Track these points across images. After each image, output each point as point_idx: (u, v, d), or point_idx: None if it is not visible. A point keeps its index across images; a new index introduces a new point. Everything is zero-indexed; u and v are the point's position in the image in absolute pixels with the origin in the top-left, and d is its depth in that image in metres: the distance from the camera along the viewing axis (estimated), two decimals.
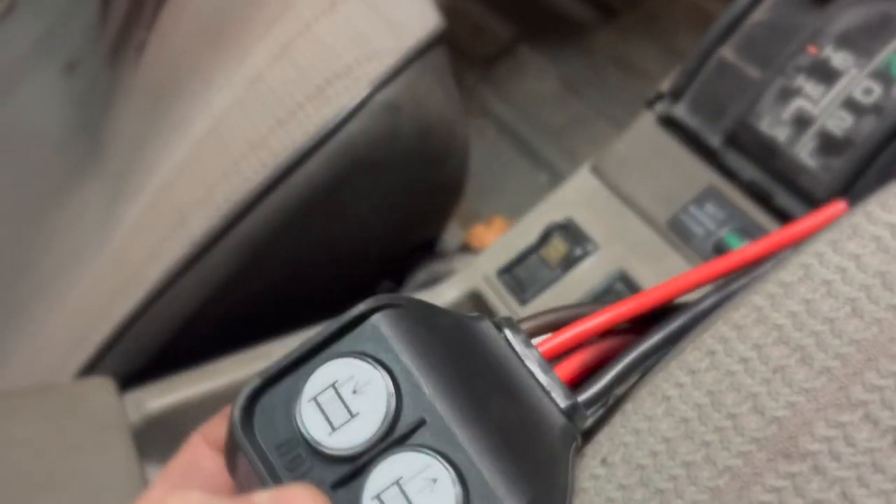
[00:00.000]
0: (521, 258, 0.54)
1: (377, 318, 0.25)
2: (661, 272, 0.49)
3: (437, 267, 0.61)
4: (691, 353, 0.30)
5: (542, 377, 0.28)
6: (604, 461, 0.30)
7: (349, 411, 0.24)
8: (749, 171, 0.48)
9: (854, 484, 0.26)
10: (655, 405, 0.30)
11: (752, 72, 0.50)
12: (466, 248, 0.68)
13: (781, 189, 0.47)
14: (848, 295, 0.28)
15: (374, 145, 0.49)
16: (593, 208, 0.53)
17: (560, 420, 0.27)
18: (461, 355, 0.27)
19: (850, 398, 0.27)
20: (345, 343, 0.25)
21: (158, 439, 0.46)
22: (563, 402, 0.28)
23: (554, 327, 0.31)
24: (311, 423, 0.24)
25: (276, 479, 0.24)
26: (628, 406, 0.31)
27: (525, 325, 0.30)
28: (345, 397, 0.24)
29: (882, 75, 0.45)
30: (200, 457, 0.28)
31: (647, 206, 0.52)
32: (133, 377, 0.50)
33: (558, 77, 1.04)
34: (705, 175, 0.51)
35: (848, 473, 0.26)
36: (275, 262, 0.52)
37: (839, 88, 0.46)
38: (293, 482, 0.24)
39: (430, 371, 0.25)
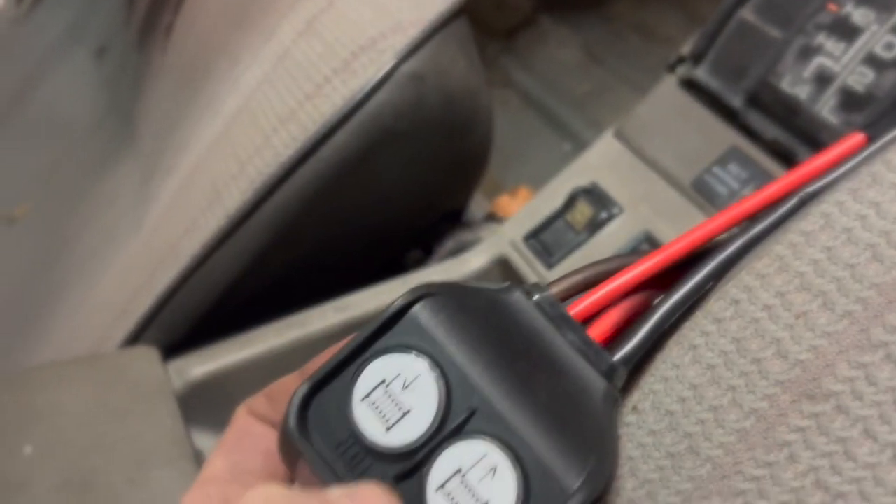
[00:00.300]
0: (547, 223, 0.54)
1: (416, 311, 0.26)
2: (686, 230, 0.50)
3: (464, 236, 0.62)
4: (716, 303, 0.31)
5: (578, 341, 0.28)
6: (634, 409, 0.31)
7: (401, 408, 0.25)
8: (771, 130, 0.49)
9: (876, 421, 0.27)
10: (682, 353, 0.31)
11: (773, 31, 0.50)
12: (492, 218, 0.69)
13: (804, 147, 0.47)
14: (868, 241, 0.29)
15: (401, 115, 0.50)
16: (617, 172, 0.54)
17: (601, 384, 0.28)
18: (500, 334, 0.27)
19: (871, 340, 0.27)
20: (388, 339, 0.26)
21: (202, 404, 0.48)
22: (602, 365, 0.28)
23: (583, 288, 0.31)
24: (366, 423, 0.25)
25: (340, 480, 0.25)
26: (657, 356, 0.32)
27: (554, 289, 0.30)
28: (395, 394, 0.25)
29: None
30: (251, 427, 0.29)
31: (670, 168, 0.53)
32: (175, 347, 0.52)
33: (580, 46, 1.04)
34: (728, 136, 0.51)
35: (870, 412, 0.27)
36: (307, 233, 0.53)
37: (860, 44, 0.46)
38: (361, 481, 0.24)
39: (474, 357, 0.26)
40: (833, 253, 0.29)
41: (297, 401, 0.25)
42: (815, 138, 0.47)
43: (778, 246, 0.31)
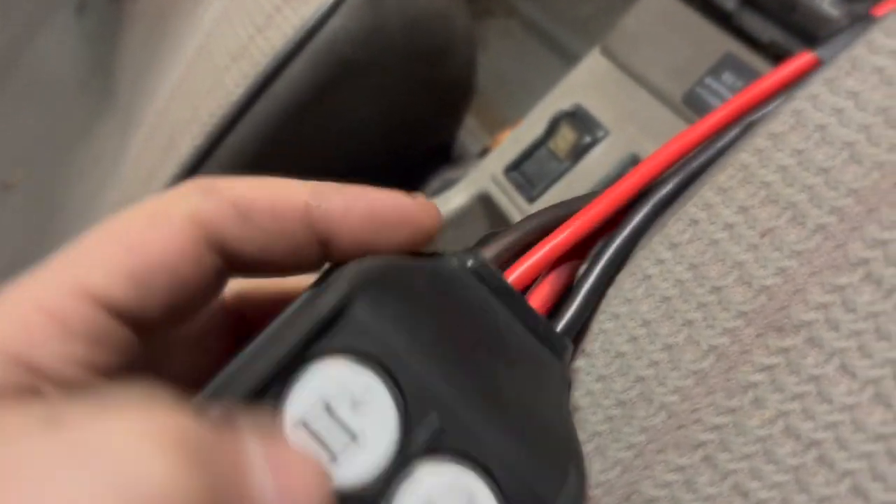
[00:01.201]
0: (529, 153, 0.50)
1: (360, 308, 0.20)
2: None
3: (450, 173, 0.58)
4: (673, 226, 0.27)
5: (524, 316, 0.24)
6: (582, 351, 0.27)
7: (348, 433, 0.19)
8: (768, 31, 0.43)
9: (855, 355, 0.22)
10: (635, 286, 0.27)
11: None
12: (486, 153, 0.65)
13: (804, 46, 0.42)
14: (845, 139, 0.24)
15: (358, 43, 0.46)
16: (603, 92, 0.49)
17: (556, 366, 0.24)
18: (448, 320, 0.22)
19: (848, 257, 0.23)
20: (325, 343, 0.19)
21: None
22: (552, 341, 0.24)
23: (521, 249, 0.26)
24: None
25: None
26: (608, 290, 0.28)
27: (489, 254, 0.25)
28: (340, 415, 0.19)
29: None
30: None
31: (660, 83, 0.47)
32: None
33: None
34: (721, 42, 0.46)
35: (848, 343, 0.22)
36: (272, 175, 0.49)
37: None
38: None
39: (428, 357, 0.21)
40: (804, 156, 0.25)
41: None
42: (816, 34, 0.41)
43: (743, 153, 0.26)
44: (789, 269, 0.24)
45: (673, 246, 0.26)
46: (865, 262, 0.23)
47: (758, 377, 0.23)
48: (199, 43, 0.54)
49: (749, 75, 0.44)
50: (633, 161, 0.46)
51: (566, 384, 0.24)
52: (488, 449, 0.20)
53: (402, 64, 0.49)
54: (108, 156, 0.71)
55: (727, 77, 0.45)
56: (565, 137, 0.48)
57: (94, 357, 0.18)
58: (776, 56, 0.43)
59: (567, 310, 0.26)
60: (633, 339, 0.26)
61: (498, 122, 0.89)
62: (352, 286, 0.20)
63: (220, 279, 0.21)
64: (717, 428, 0.24)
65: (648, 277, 0.26)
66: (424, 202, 0.22)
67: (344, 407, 0.19)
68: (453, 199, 0.52)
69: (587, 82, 0.50)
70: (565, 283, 0.27)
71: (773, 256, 0.24)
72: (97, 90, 0.81)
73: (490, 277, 0.24)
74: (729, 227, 0.25)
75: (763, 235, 0.24)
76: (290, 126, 0.47)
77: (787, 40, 0.42)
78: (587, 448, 0.26)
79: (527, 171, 0.49)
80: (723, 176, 0.26)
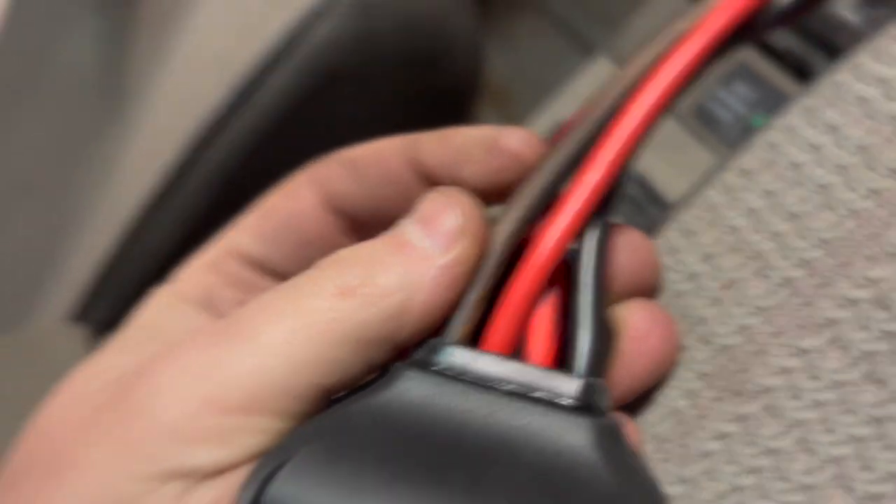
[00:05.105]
0: None
1: (275, 492, 0.16)
2: (683, 166, 0.42)
3: None
4: None
5: (523, 385, 0.18)
6: None
7: None
8: (784, 39, 0.40)
9: (816, 429, 0.19)
10: None
11: None
12: None
13: (820, 55, 0.38)
14: (820, 180, 0.21)
15: (348, 50, 0.44)
16: None
17: (582, 427, 0.17)
18: (414, 457, 0.17)
19: (815, 317, 0.20)
20: None
21: None
22: (570, 395, 0.18)
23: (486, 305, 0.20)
24: None
25: None
26: None
27: (455, 334, 0.19)
28: None
29: None
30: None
31: None
32: (114, 322, 0.48)
33: None
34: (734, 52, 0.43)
35: (809, 415, 0.20)
36: (256, 192, 0.47)
37: None
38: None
39: None
40: (775, 199, 0.22)
41: None
42: (834, 42, 0.38)
43: (712, 191, 0.23)
44: (751, 327, 0.21)
45: None
46: (833, 323, 0.20)
47: (713, 445, 0.21)
48: (185, 51, 0.52)
49: (763, 87, 0.41)
50: (639, 181, 0.43)
51: (610, 434, 0.17)
52: None
53: (395, 71, 0.47)
54: (116, 161, 0.71)
55: (740, 89, 0.42)
56: None
57: (242, 298, 0.22)
58: (792, 66, 0.40)
59: (576, 343, 0.19)
60: None
61: (522, 124, 0.87)
62: (261, 476, 0.16)
63: (342, 237, 0.23)
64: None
65: None
66: (515, 129, 0.22)
67: None
68: None
69: (589, 93, 0.47)
70: (555, 314, 0.20)
71: (734, 312, 0.21)
72: (109, 92, 0.81)
73: (463, 367, 0.18)
74: (692, 277, 0.23)
75: (725, 288, 0.22)
76: (276, 139, 0.45)
77: (805, 49, 0.39)
78: None
79: None
80: (688, 216, 0.24)
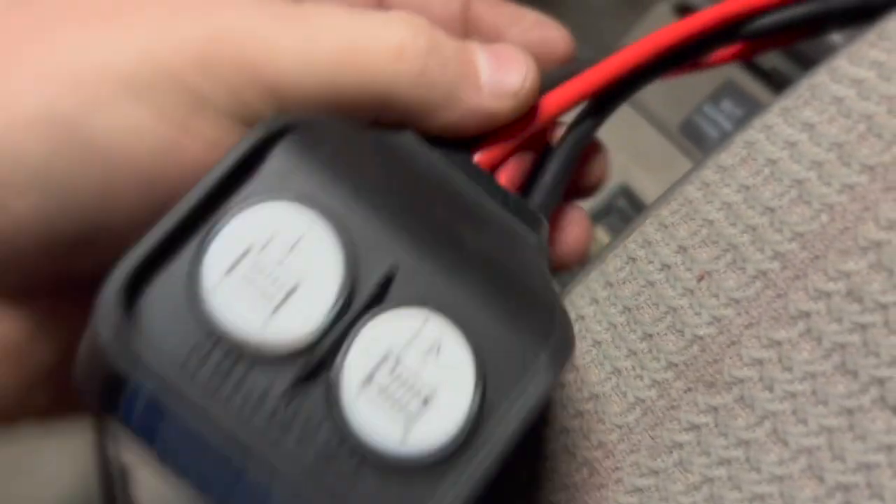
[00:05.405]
0: None
1: (281, 150, 0.17)
2: (670, 180, 0.42)
3: None
4: (611, 262, 0.24)
5: (492, 189, 0.21)
6: None
7: (285, 282, 0.16)
8: (769, 58, 0.41)
9: (789, 420, 0.20)
10: None
11: None
12: None
13: (805, 72, 0.39)
14: (795, 176, 0.21)
15: None
16: None
17: (532, 236, 0.21)
18: (400, 178, 0.19)
19: (788, 309, 0.20)
20: (249, 189, 0.17)
21: None
22: (525, 215, 0.22)
23: None
24: (233, 312, 0.16)
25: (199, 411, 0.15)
26: None
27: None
28: (273, 264, 0.16)
29: None
30: None
31: (656, 110, 0.45)
32: None
33: None
34: (722, 69, 0.43)
35: (782, 406, 0.20)
36: None
37: None
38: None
39: (374, 205, 0.18)
40: (751, 193, 0.22)
41: (111, 296, 0.15)
42: (818, 62, 0.38)
43: (689, 186, 0.24)
44: (725, 318, 0.21)
45: (608, 285, 0.24)
46: (806, 315, 0.20)
47: (684, 437, 0.21)
48: None
49: (749, 104, 0.41)
50: (624, 192, 0.43)
51: (543, 253, 0.21)
52: (454, 297, 0.17)
53: None
54: None
55: (726, 105, 0.42)
56: None
57: None
58: (778, 84, 0.41)
59: (539, 186, 0.24)
60: (561, 385, 0.24)
61: None
62: (271, 129, 0.17)
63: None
64: (637, 491, 0.21)
65: (582, 318, 0.24)
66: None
67: (275, 253, 0.16)
68: None
69: None
70: (532, 164, 0.24)
71: (709, 303, 0.21)
72: None
73: (453, 151, 0.21)
74: (666, 267, 0.23)
75: (700, 279, 0.22)
76: None
77: (790, 67, 0.40)
78: None
79: None
80: (666, 210, 0.24)
